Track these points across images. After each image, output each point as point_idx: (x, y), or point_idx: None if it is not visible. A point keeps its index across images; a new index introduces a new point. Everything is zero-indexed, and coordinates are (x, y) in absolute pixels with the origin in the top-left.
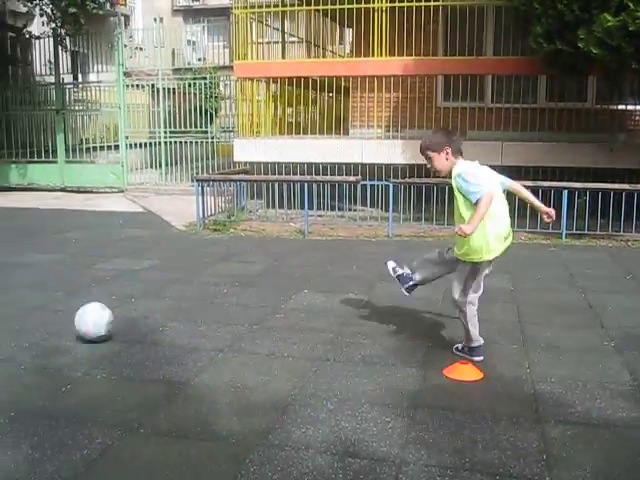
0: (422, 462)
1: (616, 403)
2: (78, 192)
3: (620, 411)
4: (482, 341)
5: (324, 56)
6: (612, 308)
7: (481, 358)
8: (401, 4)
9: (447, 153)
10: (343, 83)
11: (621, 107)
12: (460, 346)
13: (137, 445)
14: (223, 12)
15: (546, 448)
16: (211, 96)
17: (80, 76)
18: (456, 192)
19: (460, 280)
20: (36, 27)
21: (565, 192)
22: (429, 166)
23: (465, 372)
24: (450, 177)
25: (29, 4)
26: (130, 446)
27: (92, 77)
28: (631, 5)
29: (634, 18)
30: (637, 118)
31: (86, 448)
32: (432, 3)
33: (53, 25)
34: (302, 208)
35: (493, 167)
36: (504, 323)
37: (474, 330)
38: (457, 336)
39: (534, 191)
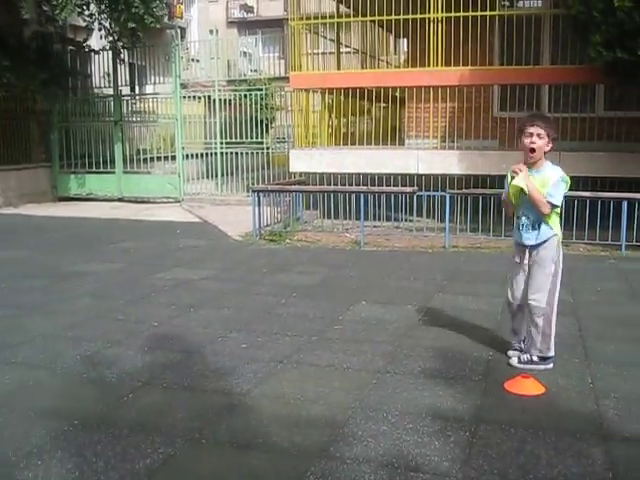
0: (485, 478)
1: None
2: (135, 202)
3: None
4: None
5: (378, 67)
6: None
7: (551, 366)
8: (457, 14)
9: (548, 145)
10: (398, 93)
11: None
12: (525, 357)
13: (199, 455)
14: (277, 24)
15: (612, 466)
16: (266, 107)
17: (137, 88)
18: (539, 186)
19: (545, 280)
20: (95, 40)
21: (625, 203)
22: (532, 139)
23: (527, 386)
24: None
25: (88, 19)
26: (192, 456)
27: (149, 89)
28: None
29: None
30: None
31: (149, 457)
32: (488, 13)
33: (111, 39)
34: (358, 219)
35: None
36: (565, 337)
37: (552, 338)
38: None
39: (593, 202)
